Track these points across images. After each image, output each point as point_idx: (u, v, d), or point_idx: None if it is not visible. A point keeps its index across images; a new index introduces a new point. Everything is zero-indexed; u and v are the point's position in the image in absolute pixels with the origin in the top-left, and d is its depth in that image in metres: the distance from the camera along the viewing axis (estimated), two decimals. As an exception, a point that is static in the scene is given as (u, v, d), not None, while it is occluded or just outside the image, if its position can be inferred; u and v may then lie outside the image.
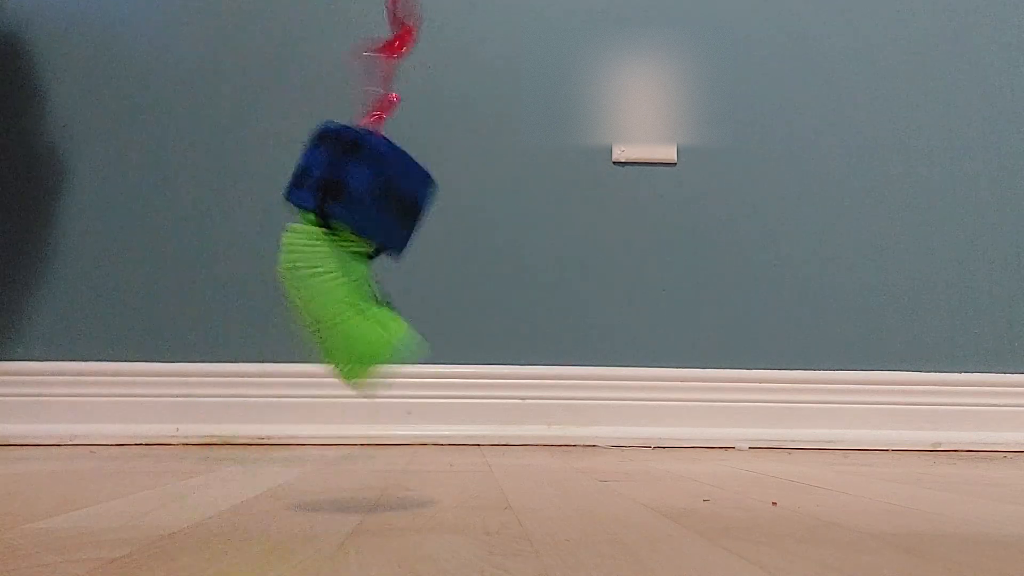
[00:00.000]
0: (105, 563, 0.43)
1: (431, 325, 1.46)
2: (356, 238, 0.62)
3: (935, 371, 1.47)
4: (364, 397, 1.42)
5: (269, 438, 1.39)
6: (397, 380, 1.43)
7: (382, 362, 0.60)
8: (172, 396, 1.41)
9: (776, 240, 1.50)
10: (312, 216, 0.62)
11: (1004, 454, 1.39)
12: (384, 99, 0.66)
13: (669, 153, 1.51)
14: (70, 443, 1.36)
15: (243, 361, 1.43)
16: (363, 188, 0.62)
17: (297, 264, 0.61)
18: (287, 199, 0.63)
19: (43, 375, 1.41)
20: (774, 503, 0.70)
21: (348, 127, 0.63)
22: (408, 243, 0.67)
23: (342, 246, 0.62)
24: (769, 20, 1.54)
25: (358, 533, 0.53)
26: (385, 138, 0.64)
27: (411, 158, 0.66)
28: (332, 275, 0.61)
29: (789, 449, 1.41)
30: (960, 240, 1.51)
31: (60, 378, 1.41)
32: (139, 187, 1.47)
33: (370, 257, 0.65)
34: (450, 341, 1.45)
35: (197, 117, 1.48)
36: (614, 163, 1.50)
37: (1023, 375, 1.47)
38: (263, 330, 1.44)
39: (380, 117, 0.65)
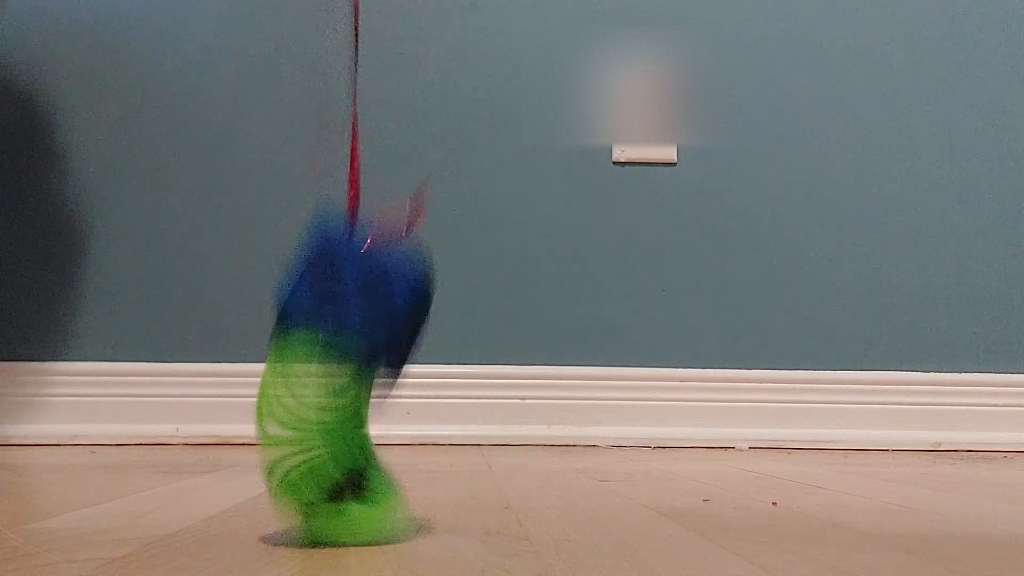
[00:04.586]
0: (105, 563, 0.43)
1: (431, 325, 1.45)
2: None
3: (935, 371, 1.47)
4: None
5: (269, 438, 1.39)
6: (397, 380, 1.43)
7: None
8: (172, 396, 1.41)
9: (776, 240, 1.50)
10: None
11: (1004, 454, 1.39)
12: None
13: (669, 153, 1.51)
14: (70, 443, 1.36)
15: (243, 361, 1.43)
16: (406, 308, 0.57)
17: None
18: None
19: (43, 375, 1.41)
20: (774, 503, 0.70)
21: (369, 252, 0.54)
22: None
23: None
24: (769, 20, 1.54)
25: (358, 533, 0.53)
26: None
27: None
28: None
29: (789, 449, 1.41)
30: (960, 240, 1.51)
31: (60, 378, 1.41)
32: (139, 187, 1.46)
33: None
34: (450, 341, 1.45)
35: (197, 116, 1.48)
36: (614, 163, 1.50)
37: (1023, 375, 1.47)
38: (263, 330, 1.44)
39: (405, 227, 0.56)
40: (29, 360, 1.41)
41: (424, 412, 1.42)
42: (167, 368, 1.42)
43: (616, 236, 1.49)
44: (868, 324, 1.49)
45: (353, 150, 0.54)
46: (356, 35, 0.57)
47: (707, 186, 1.51)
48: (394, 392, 0.55)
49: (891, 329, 1.49)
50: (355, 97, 0.56)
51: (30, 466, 1.02)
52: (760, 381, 1.46)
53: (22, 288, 1.44)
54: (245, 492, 0.75)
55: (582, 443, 1.41)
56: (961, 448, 1.43)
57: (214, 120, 1.48)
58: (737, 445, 1.42)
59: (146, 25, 1.49)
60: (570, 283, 1.48)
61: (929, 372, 1.47)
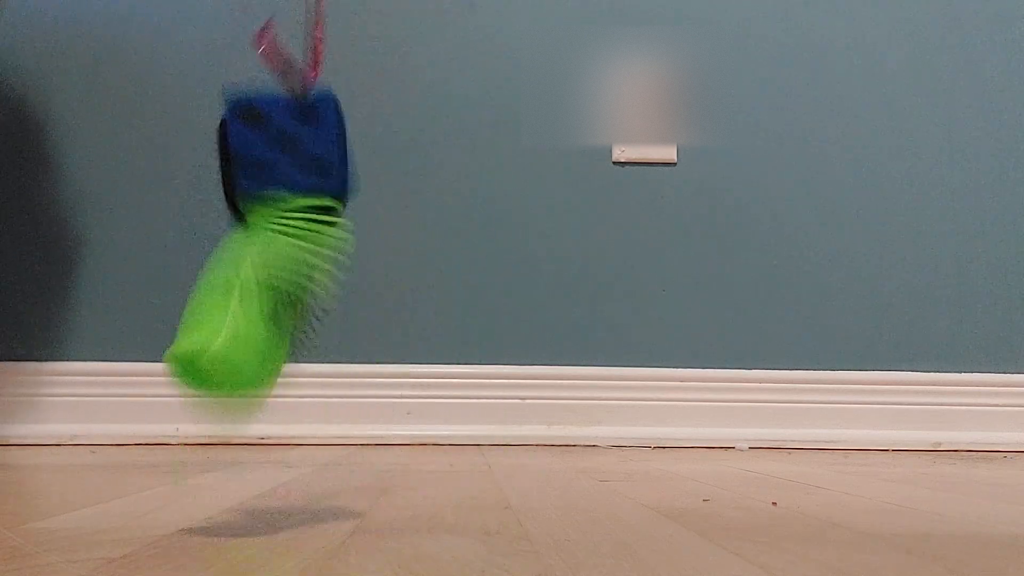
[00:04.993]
0: (105, 563, 0.43)
1: (431, 325, 1.46)
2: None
3: (935, 371, 1.47)
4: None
5: (268, 438, 1.39)
6: (397, 380, 1.43)
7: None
8: (172, 396, 1.41)
9: (776, 240, 1.50)
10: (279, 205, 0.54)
11: (1004, 454, 1.39)
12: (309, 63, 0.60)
13: (669, 153, 1.51)
14: (70, 443, 1.36)
15: (243, 361, 1.43)
16: (344, 155, 0.56)
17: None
18: (260, 194, 0.55)
19: (43, 375, 1.41)
20: (774, 503, 0.71)
21: (276, 96, 0.57)
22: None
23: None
24: (770, 20, 1.54)
25: (358, 533, 0.53)
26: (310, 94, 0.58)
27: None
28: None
29: (789, 449, 1.41)
30: (960, 240, 1.51)
31: (60, 378, 1.41)
32: (139, 186, 1.46)
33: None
34: (450, 341, 1.45)
35: (196, 116, 1.48)
36: (614, 163, 1.50)
37: (1023, 375, 1.47)
38: (263, 330, 1.44)
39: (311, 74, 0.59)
40: (29, 360, 1.41)
41: (424, 412, 1.42)
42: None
43: (616, 236, 1.49)
44: (868, 324, 1.49)
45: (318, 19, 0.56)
46: None
47: (707, 186, 1.51)
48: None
49: (891, 329, 1.49)
50: None
51: (30, 466, 1.02)
52: (760, 381, 1.46)
53: (22, 288, 1.44)
54: (245, 492, 0.75)
55: (582, 443, 1.41)
56: (961, 448, 1.43)
57: (213, 120, 1.48)
58: (737, 445, 1.42)
59: (146, 25, 1.49)
60: (570, 283, 1.48)
61: (929, 372, 1.47)
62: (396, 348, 1.45)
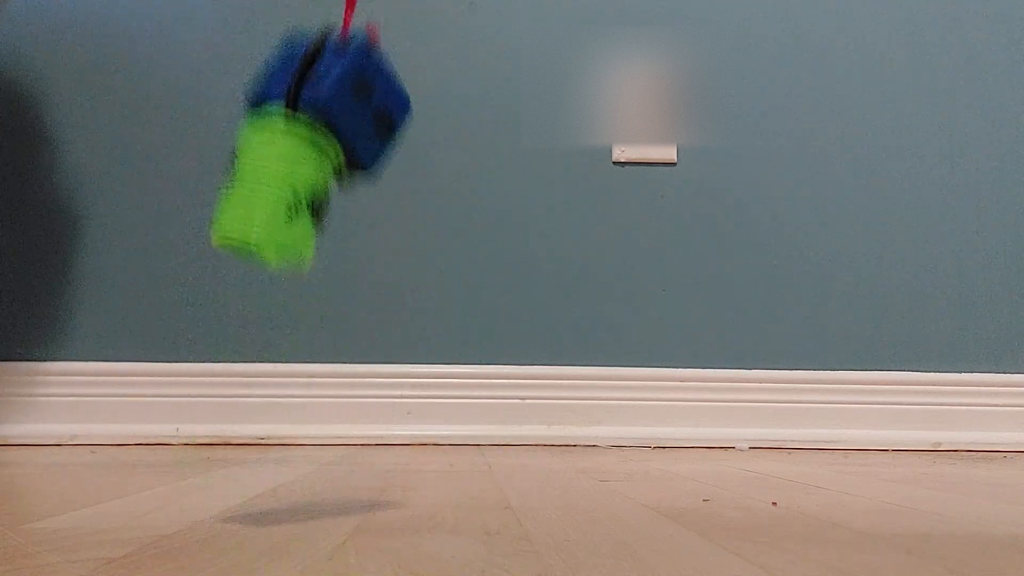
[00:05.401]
0: (105, 563, 0.43)
1: (431, 325, 1.46)
2: (326, 141, 0.57)
3: (935, 371, 1.47)
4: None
5: (269, 438, 1.39)
6: (397, 380, 1.43)
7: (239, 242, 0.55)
8: (172, 396, 1.41)
9: (776, 240, 1.50)
10: (277, 115, 0.56)
11: (1004, 454, 1.39)
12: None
13: (669, 153, 1.50)
14: (70, 443, 1.36)
15: (243, 361, 1.43)
16: (339, 74, 0.57)
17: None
18: (250, 105, 0.58)
19: (43, 375, 1.41)
20: (774, 503, 0.71)
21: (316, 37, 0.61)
22: (380, 161, 0.64)
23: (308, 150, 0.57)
24: (769, 20, 1.54)
25: (358, 533, 0.53)
26: (369, 45, 0.61)
27: (392, 74, 0.62)
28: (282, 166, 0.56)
29: (789, 449, 1.41)
30: (960, 240, 1.51)
31: (60, 378, 1.41)
32: (139, 186, 1.46)
33: (339, 172, 0.61)
34: (450, 341, 1.45)
35: (197, 115, 1.48)
36: (614, 163, 1.50)
37: (1023, 375, 1.47)
38: (263, 330, 1.44)
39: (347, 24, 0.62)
40: (28, 360, 1.41)
41: (424, 412, 1.42)
42: (167, 368, 1.42)
43: (616, 236, 1.49)
44: (868, 324, 1.49)
45: None
46: None
47: (707, 186, 1.51)
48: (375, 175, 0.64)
49: (891, 329, 1.49)
50: None
51: (30, 466, 1.02)
52: (760, 381, 1.46)
53: (22, 288, 1.44)
54: (245, 492, 0.75)
55: (582, 443, 1.41)
56: (961, 448, 1.43)
57: (214, 119, 1.48)
58: (737, 445, 1.42)
59: (146, 25, 1.49)
60: (570, 283, 1.48)
61: (929, 372, 1.47)
62: (396, 348, 1.45)
